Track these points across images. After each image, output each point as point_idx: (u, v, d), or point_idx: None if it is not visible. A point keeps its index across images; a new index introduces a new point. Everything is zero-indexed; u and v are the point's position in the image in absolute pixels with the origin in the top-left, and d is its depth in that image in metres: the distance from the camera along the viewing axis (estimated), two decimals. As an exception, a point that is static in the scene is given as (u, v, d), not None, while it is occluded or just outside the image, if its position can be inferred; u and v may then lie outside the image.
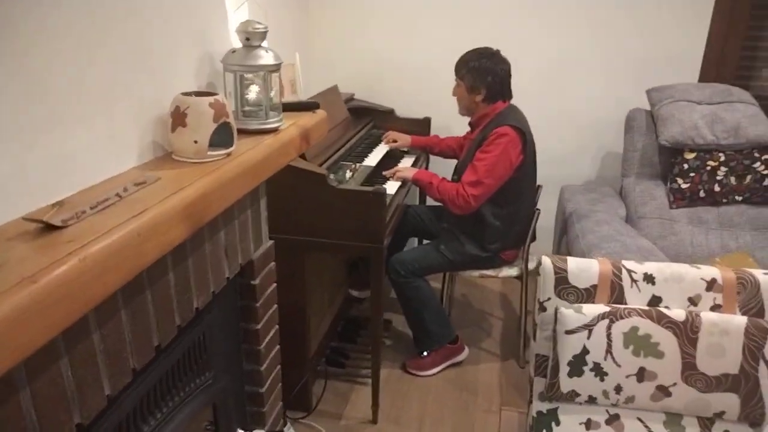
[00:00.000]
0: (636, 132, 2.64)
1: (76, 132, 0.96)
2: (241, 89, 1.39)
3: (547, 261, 1.34)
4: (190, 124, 1.13)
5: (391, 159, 2.71)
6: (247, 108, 1.41)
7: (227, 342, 1.51)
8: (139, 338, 1.06)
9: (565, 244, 2.48)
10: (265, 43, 1.42)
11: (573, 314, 1.28)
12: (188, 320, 1.23)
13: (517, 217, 2.37)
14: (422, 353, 2.51)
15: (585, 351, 1.29)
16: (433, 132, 3.01)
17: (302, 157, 2.22)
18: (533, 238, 2.44)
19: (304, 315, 2.18)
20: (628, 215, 2.55)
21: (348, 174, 2.29)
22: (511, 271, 2.45)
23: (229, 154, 1.20)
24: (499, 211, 2.33)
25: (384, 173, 2.42)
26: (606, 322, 1.28)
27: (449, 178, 2.46)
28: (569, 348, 1.29)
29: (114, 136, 1.06)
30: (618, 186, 2.81)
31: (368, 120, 3.02)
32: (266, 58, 1.38)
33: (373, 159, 2.60)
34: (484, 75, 2.30)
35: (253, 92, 1.39)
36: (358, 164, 2.45)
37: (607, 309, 1.28)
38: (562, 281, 1.34)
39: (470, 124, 2.47)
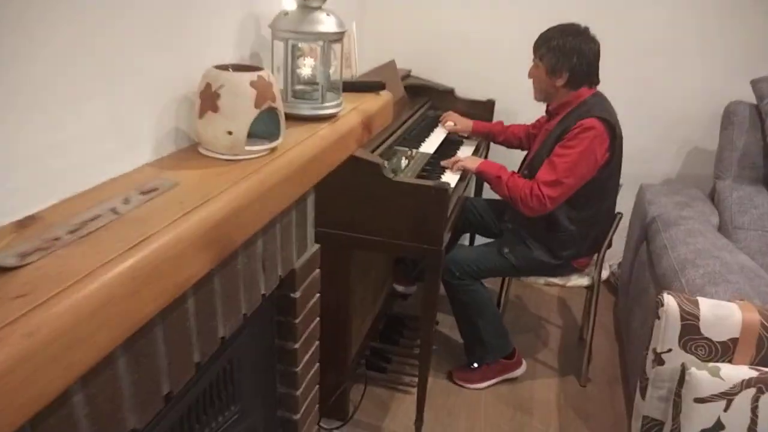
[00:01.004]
0: (736, 128, 2.23)
1: (61, 117, 0.67)
2: (292, 63, 1.07)
3: (671, 302, 1.01)
4: (224, 108, 0.83)
5: (449, 145, 2.37)
6: (299, 87, 1.10)
7: (258, 364, 1.23)
8: (143, 388, 0.78)
9: (646, 253, 2.12)
10: (326, 5, 1.10)
11: (707, 378, 0.95)
12: (210, 353, 0.95)
13: (596, 221, 2.02)
14: (472, 364, 2.21)
15: (719, 426, 0.97)
16: (496, 117, 2.65)
17: (354, 140, 1.90)
18: (609, 245, 2.08)
19: (346, 315, 1.89)
20: (721, 224, 2.16)
21: (404, 162, 1.97)
22: (582, 281, 2.11)
23: (273, 149, 0.89)
24: (576, 215, 1.98)
25: (443, 164, 2.09)
26: (752, 391, 0.95)
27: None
28: (698, 420, 0.97)
29: (118, 122, 0.76)
30: (706, 188, 2.41)
31: (425, 100, 2.68)
32: (327, 23, 1.06)
33: (430, 145, 2.27)
34: (568, 55, 1.92)
35: (307, 67, 1.08)
36: (414, 150, 2.13)
37: (754, 374, 0.95)
38: (690, 330, 1.01)
39: (548, 111, 2.10)
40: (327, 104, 1.08)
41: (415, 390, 2.14)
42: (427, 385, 1.96)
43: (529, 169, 2.05)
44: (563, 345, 2.48)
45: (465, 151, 2.36)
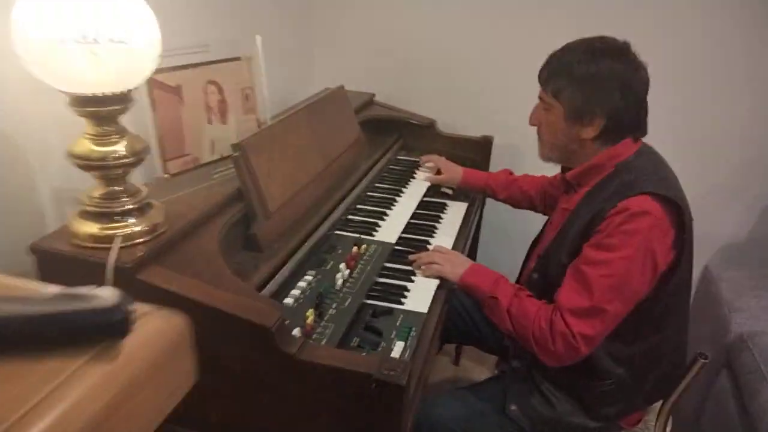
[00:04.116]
0: None
1: None
2: None
3: None
4: None
5: (429, 208, 1.54)
6: None
7: None
8: None
9: (729, 385, 1.29)
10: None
11: None
12: None
13: (658, 357, 1.18)
14: None
15: None
16: (495, 162, 1.80)
17: (255, 237, 1.07)
18: (683, 391, 1.24)
19: None
20: None
21: (340, 274, 1.12)
22: (633, 446, 1.28)
23: None
24: (626, 351, 1.14)
25: (410, 258, 1.26)
26: None
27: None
28: None
29: None
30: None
31: (395, 138, 1.83)
32: None
33: (398, 216, 1.42)
34: (606, 90, 1.07)
35: None
36: (364, 243, 1.28)
37: None
38: None
39: (566, 179, 1.25)
40: None
41: None
42: None
43: (541, 270, 1.21)
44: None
45: (452, 215, 1.53)
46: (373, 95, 1.87)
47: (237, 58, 1.13)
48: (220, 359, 0.84)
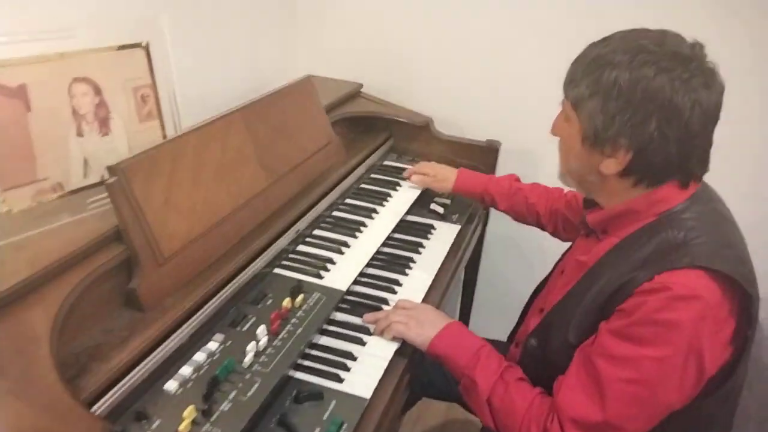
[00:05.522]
0: None
1: None
2: None
3: None
4: None
5: (411, 230, 1.21)
6: None
7: None
8: None
9: None
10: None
11: None
12: None
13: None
14: None
15: None
16: (502, 169, 1.45)
17: (134, 294, 0.78)
18: None
19: None
20: None
21: (252, 348, 0.81)
22: None
23: None
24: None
25: (365, 319, 0.95)
26: None
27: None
28: None
29: None
30: None
31: (383, 137, 1.49)
32: None
33: (362, 250, 1.10)
34: (639, 114, 0.71)
35: None
36: (307, 281, 0.97)
37: None
38: None
39: (587, 221, 0.89)
40: None
41: None
42: None
43: (541, 337, 0.88)
44: None
45: (437, 242, 1.20)
46: (360, 86, 1.53)
47: (131, 45, 0.82)
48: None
